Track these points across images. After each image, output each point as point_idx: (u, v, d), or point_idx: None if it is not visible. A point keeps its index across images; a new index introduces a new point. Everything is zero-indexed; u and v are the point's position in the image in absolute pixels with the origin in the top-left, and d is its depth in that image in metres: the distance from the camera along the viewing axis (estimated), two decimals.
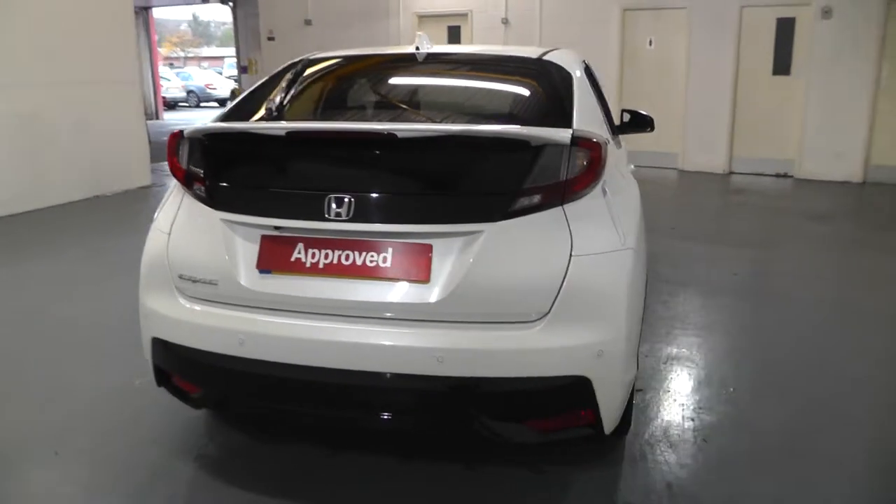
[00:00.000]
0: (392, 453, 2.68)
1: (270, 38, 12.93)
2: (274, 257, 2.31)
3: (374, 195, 2.23)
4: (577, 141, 2.20)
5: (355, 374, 2.18)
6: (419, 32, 3.21)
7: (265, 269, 2.31)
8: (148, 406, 3.02)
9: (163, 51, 36.97)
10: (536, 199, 2.17)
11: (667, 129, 8.39)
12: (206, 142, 2.47)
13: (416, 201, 2.24)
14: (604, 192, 2.30)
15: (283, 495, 2.47)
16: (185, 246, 2.43)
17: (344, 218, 2.18)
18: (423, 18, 11.27)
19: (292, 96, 2.95)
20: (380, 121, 2.79)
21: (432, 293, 2.15)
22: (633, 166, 3.93)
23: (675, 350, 3.64)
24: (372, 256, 2.22)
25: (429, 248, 2.18)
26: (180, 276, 2.41)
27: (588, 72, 3.29)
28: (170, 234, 2.47)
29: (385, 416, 2.32)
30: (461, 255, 2.15)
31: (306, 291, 2.24)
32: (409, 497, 2.46)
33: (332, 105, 3.09)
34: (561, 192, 2.18)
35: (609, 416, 2.27)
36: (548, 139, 2.21)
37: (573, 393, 2.18)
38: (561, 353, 2.14)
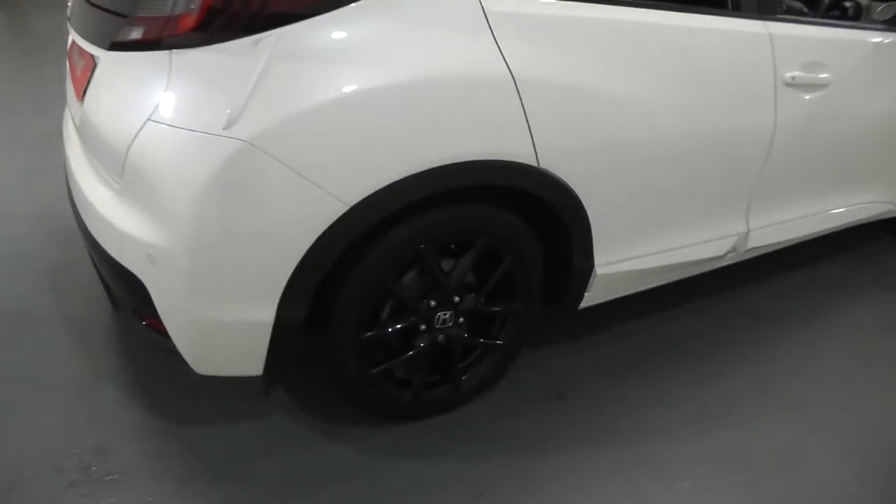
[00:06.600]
0: None
1: None
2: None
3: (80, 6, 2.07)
4: None
5: None
6: None
7: None
8: None
9: None
10: (140, 32, 1.68)
11: None
12: None
13: (93, 14, 1.93)
14: (264, 49, 1.56)
15: None
16: None
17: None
18: None
19: None
20: None
21: (79, 114, 1.94)
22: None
23: None
24: (76, 65, 2.05)
25: (93, 66, 1.86)
26: None
27: None
28: None
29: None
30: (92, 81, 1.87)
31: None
32: None
33: None
34: (164, 31, 1.62)
35: (185, 349, 1.77)
36: None
37: (135, 292, 1.74)
38: (119, 234, 1.72)
